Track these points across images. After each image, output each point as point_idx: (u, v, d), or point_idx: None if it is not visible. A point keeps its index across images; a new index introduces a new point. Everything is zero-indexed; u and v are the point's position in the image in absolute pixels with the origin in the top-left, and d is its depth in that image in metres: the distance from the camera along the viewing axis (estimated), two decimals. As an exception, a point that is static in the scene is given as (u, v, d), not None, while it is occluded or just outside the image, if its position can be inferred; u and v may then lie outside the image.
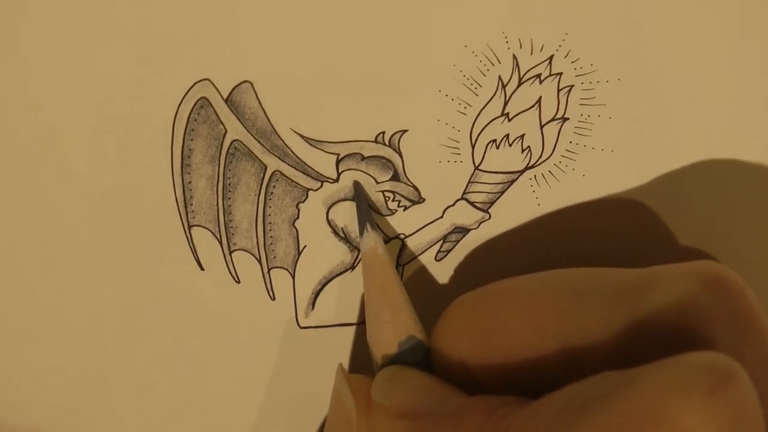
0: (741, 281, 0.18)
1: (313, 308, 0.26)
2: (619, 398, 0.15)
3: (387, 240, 0.26)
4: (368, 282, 0.23)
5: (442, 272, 0.26)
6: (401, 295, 0.22)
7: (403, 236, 0.26)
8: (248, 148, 0.25)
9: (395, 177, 0.25)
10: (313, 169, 0.25)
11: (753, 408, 0.15)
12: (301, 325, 0.26)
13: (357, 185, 0.25)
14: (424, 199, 0.25)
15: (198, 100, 0.25)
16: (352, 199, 0.25)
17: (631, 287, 0.18)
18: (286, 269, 0.26)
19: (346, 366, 0.26)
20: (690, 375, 0.15)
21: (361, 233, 0.24)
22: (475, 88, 0.25)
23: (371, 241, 0.23)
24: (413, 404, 0.19)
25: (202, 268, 0.25)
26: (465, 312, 0.20)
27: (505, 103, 0.25)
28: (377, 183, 0.25)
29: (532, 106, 0.25)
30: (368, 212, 0.24)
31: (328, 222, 0.26)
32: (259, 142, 0.25)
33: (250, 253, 0.25)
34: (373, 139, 0.25)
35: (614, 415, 0.15)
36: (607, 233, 0.26)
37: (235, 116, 0.25)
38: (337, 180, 0.25)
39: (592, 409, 0.15)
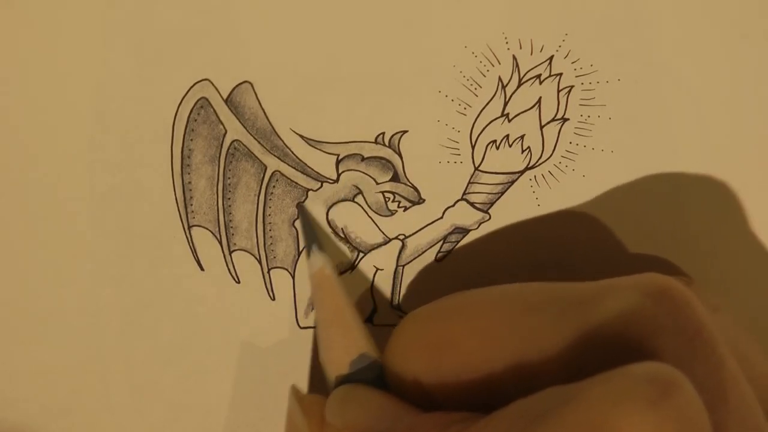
0: (687, 292, 0.18)
1: (313, 308, 0.26)
2: (565, 412, 0.15)
3: (386, 241, 0.26)
4: (318, 303, 0.23)
5: (442, 273, 0.26)
6: (351, 314, 0.22)
7: (403, 237, 0.26)
8: (248, 149, 0.25)
9: (395, 178, 0.25)
10: (312, 169, 0.25)
11: (698, 416, 0.15)
12: (301, 325, 0.26)
13: (301, 208, 0.25)
14: (424, 200, 0.25)
15: (198, 101, 0.25)
16: (352, 200, 0.25)
17: (582, 300, 0.18)
18: (286, 269, 0.26)
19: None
20: (633, 386, 0.15)
21: (308, 255, 0.24)
22: (475, 88, 0.25)
23: (318, 261, 0.23)
24: (367, 424, 0.20)
25: (202, 268, 0.25)
26: (417, 328, 0.20)
27: (505, 104, 0.25)
28: (377, 183, 0.25)
29: (532, 107, 0.25)
30: (313, 233, 0.24)
31: (328, 222, 0.26)
32: (259, 142, 0.25)
33: (250, 253, 0.25)
34: (373, 140, 0.25)
35: (560, 429, 0.15)
36: (606, 233, 0.26)
37: (235, 116, 0.25)
38: (336, 180, 0.25)
39: (539, 423, 0.15)
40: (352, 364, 0.21)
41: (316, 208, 0.25)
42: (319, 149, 0.25)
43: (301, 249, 0.25)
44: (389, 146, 0.25)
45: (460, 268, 0.26)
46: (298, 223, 0.25)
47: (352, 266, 0.26)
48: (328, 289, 0.23)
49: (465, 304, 0.20)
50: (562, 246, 0.26)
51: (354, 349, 0.21)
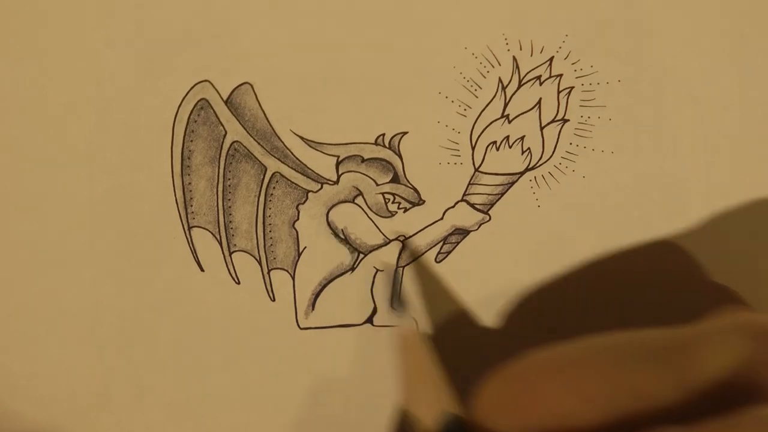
0: None
1: (313, 309, 0.26)
2: None
3: (386, 242, 0.26)
4: (407, 361, 0.23)
5: (442, 273, 0.26)
6: (438, 372, 0.22)
7: (403, 238, 0.26)
8: (248, 150, 0.25)
9: (395, 179, 0.25)
10: (312, 170, 0.25)
11: None
12: (301, 326, 0.26)
13: (390, 267, 0.25)
14: (424, 201, 0.25)
15: (198, 102, 0.25)
16: (352, 201, 0.25)
17: (679, 348, 0.18)
18: (286, 270, 0.26)
19: (346, 367, 0.26)
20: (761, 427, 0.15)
21: (398, 312, 0.24)
22: (475, 89, 0.25)
23: (410, 322, 0.24)
24: None
25: (202, 269, 0.25)
26: (505, 386, 0.20)
27: (505, 105, 0.25)
28: (377, 185, 0.25)
29: (532, 108, 0.25)
30: (401, 291, 0.25)
31: (328, 223, 0.26)
32: (258, 143, 0.25)
33: (250, 254, 0.25)
34: (373, 141, 0.25)
35: None
36: (606, 234, 0.26)
37: (235, 118, 0.25)
38: (337, 182, 0.25)
39: None
40: (440, 421, 0.21)
41: (316, 209, 0.25)
42: (319, 151, 0.25)
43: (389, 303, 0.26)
44: (389, 147, 0.25)
45: (460, 269, 0.26)
46: (298, 225, 0.25)
47: (352, 267, 0.26)
48: (418, 348, 0.23)
49: (554, 359, 0.20)
50: (562, 247, 0.26)
51: (443, 406, 0.22)
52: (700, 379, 0.18)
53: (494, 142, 0.25)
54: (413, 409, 0.22)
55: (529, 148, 0.25)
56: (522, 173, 0.25)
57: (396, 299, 0.25)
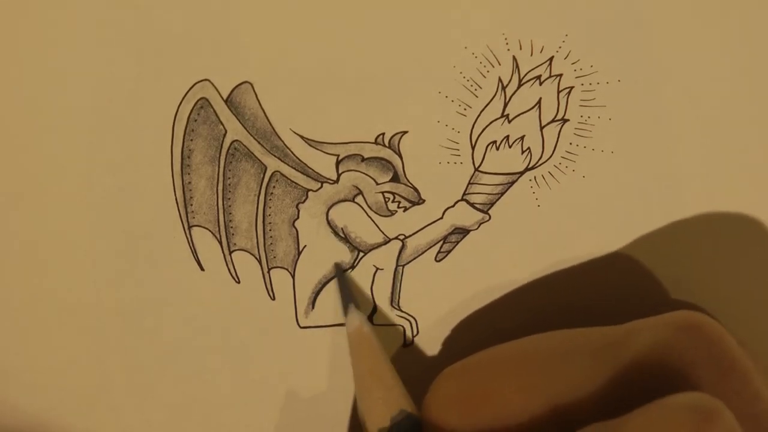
0: (719, 327, 0.19)
1: (313, 308, 0.26)
2: None
3: (386, 241, 0.26)
4: (356, 361, 0.23)
5: (442, 273, 0.26)
6: (390, 372, 0.23)
7: (402, 237, 0.26)
8: (248, 149, 0.25)
9: (395, 178, 0.25)
10: (312, 169, 0.25)
11: None
12: (301, 325, 0.26)
13: (338, 267, 0.25)
14: (424, 200, 0.25)
15: (198, 101, 0.25)
16: (352, 200, 0.25)
17: (613, 341, 0.19)
18: (286, 269, 0.26)
19: (346, 365, 0.26)
20: (674, 415, 0.16)
21: (346, 313, 0.24)
22: (475, 89, 0.25)
23: (356, 321, 0.24)
24: None
25: (202, 268, 0.25)
26: (453, 382, 0.21)
27: (505, 105, 0.25)
28: (377, 184, 0.25)
29: (532, 108, 0.25)
30: (351, 292, 0.25)
31: (328, 222, 0.26)
32: (258, 142, 0.25)
33: (250, 253, 0.26)
34: (373, 141, 0.25)
35: None
36: (606, 234, 0.26)
37: (235, 117, 0.25)
38: (337, 181, 0.25)
39: None
40: (392, 419, 0.22)
41: (316, 208, 0.25)
42: (319, 150, 0.25)
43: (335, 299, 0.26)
44: (389, 147, 0.25)
45: (459, 268, 0.26)
46: (298, 223, 0.25)
47: (352, 266, 0.26)
48: (367, 348, 0.23)
49: (499, 357, 0.21)
50: (562, 247, 0.26)
51: (394, 405, 0.22)
52: (628, 369, 0.18)
53: (494, 142, 0.25)
54: (365, 408, 0.22)
55: (529, 148, 0.25)
56: (522, 173, 0.25)
57: (346, 296, 0.25)
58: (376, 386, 0.22)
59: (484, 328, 0.26)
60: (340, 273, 0.25)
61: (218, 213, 0.25)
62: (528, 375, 0.20)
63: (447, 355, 0.26)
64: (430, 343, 0.26)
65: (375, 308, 0.26)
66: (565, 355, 0.19)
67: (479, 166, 0.25)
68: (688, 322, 0.18)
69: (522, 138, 0.25)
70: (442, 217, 0.25)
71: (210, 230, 0.25)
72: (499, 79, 0.25)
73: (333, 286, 0.26)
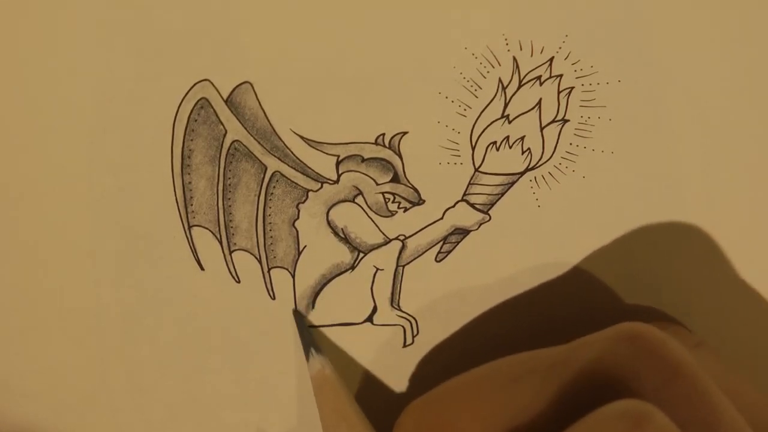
0: (660, 334, 0.19)
1: (313, 308, 0.26)
2: None
3: (386, 241, 0.26)
4: (321, 403, 0.24)
5: (442, 273, 0.26)
6: (353, 410, 0.23)
7: (403, 237, 0.26)
8: (248, 149, 0.25)
9: (395, 178, 0.25)
10: (313, 170, 0.25)
11: None
12: (301, 325, 0.26)
13: (296, 313, 0.26)
14: (424, 201, 0.25)
15: (198, 101, 0.25)
16: (352, 201, 0.25)
17: (561, 360, 0.19)
18: (287, 269, 0.26)
19: (346, 365, 0.26)
20: (605, 423, 0.16)
21: (307, 357, 0.25)
22: (475, 90, 0.25)
23: (317, 364, 0.24)
24: None
25: (202, 268, 0.25)
26: (416, 417, 0.21)
27: (506, 105, 0.25)
28: (377, 184, 0.25)
29: (533, 108, 0.25)
30: (310, 336, 0.25)
31: (328, 222, 0.26)
32: (259, 142, 0.25)
33: (251, 253, 0.26)
34: (373, 141, 0.25)
35: None
36: (606, 234, 0.26)
37: (235, 117, 0.25)
38: (337, 181, 0.25)
39: None
40: None
41: (316, 208, 0.25)
42: (320, 150, 0.25)
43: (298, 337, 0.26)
44: (389, 147, 0.25)
45: (460, 268, 0.26)
46: (298, 223, 0.25)
47: (353, 266, 0.26)
48: (330, 390, 0.24)
49: (455, 388, 0.21)
50: (562, 247, 0.26)
51: None
52: (573, 386, 0.19)
53: (494, 142, 0.25)
54: None
55: (529, 148, 0.25)
56: (522, 173, 0.25)
57: (306, 340, 0.25)
58: (341, 426, 0.23)
59: (484, 328, 0.26)
60: (299, 317, 0.25)
61: (218, 213, 0.25)
62: (482, 403, 0.20)
63: (447, 356, 0.26)
64: (430, 343, 0.26)
65: (375, 308, 0.26)
66: (516, 379, 0.20)
67: (479, 167, 0.25)
68: (627, 333, 0.19)
69: (522, 138, 0.25)
70: (442, 218, 0.25)
71: (210, 230, 0.25)
72: (500, 80, 0.25)
73: (333, 286, 0.26)
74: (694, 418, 0.17)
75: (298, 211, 0.25)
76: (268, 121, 0.25)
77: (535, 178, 0.25)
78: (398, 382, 0.26)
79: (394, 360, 0.26)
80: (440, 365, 0.25)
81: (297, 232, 0.26)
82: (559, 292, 0.26)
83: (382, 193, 0.25)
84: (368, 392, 0.26)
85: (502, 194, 0.25)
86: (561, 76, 0.25)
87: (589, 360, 0.18)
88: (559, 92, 0.25)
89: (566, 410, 0.18)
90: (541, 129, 0.25)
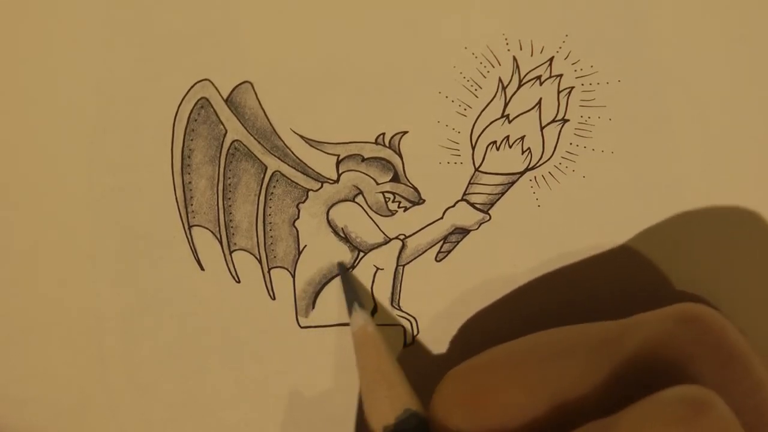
0: (719, 318, 0.19)
1: (313, 308, 0.26)
2: None
3: (387, 241, 0.26)
4: (361, 360, 0.23)
5: (442, 273, 0.26)
6: (395, 370, 0.23)
7: (403, 237, 0.26)
8: (248, 149, 0.25)
9: (395, 178, 0.25)
10: (313, 169, 0.25)
11: None
12: (301, 325, 0.26)
13: (341, 266, 0.25)
14: (424, 200, 0.25)
15: (198, 101, 0.25)
16: (352, 200, 0.25)
17: (612, 337, 0.19)
18: (287, 269, 0.26)
19: (346, 365, 0.26)
20: (666, 409, 0.16)
21: (350, 312, 0.24)
22: (476, 89, 0.25)
23: (360, 320, 0.24)
24: None
25: (202, 268, 0.25)
26: (457, 384, 0.21)
27: (506, 105, 0.25)
28: (377, 184, 0.25)
29: (533, 108, 0.25)
30: (355, 291, 0.25)
31: (329, 222, 0.26)
32: (259, 142, 0.25)
33: (251, 253, 0.25)
34: (374, 141, 0.25)
35: None
36: (606, 234, 0.26)
37: (235, 116, 0.25)
38: (337, 181, 0.25)
39: None
40: (397, 417, 0.22)
41: (316, 207, 0.25)
42: (320, 149, 0.25)
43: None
44: (389, 147, 0.25)
45: (460, 268, 0.26)
46: (298, 223, 0.25)
47: (353, 266, 0.26)
48: (372, 347, 0.23)
49: (500, 356, 0.21)
50: (562, 247, 0.26)
51: (399, 403, 0.22)
52: (627, 364, 0.18)
53: (494, 142, 0.25)
54: (370, 407, 0.23)
55: (529, 148, 0.25)
56: (522, 173, 0.25)
57: (350, 295, 0.25)
58: (380, 385, 0.23)
59: (484, 328, 0.26)
60: (344, 272, 0.25)
61: (218, 213, 0.25)
62: (530, 374, 0.20)
63: (447, 355, 0.26)
64: (431, 343, 0.26)
65: (375, 308, 0.26)
66: (565, 352, 0.20)
67: (479, 166, 0.25)
68: (687, 314, 0.19)
69: (522, 138, 0.25)
70: (442, 217, 0.25)
71: (210, 230, 0.25)
72: (500, 80, 0.25)
73: (333, 286, 0.26)
74: (746, 405, 0.17)
75: (298, 210, 0.25)
76: (268, 120, 0.25)
77: (535, 177, 0.25)
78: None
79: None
80: (441, 365, 0.25)
81: (297, 231, 0.26)
82: (559, 291, 0.26)
83: (383, 193, 0.25)
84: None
85: (502, 194, 0.25)
86: (561, 75, 0.25)
87: (645, 339, 0.18)
88: (559, 92, 0.25)
89: (616, 389, 0.18)
90: (541, 129, 0.25)
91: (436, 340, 0.26)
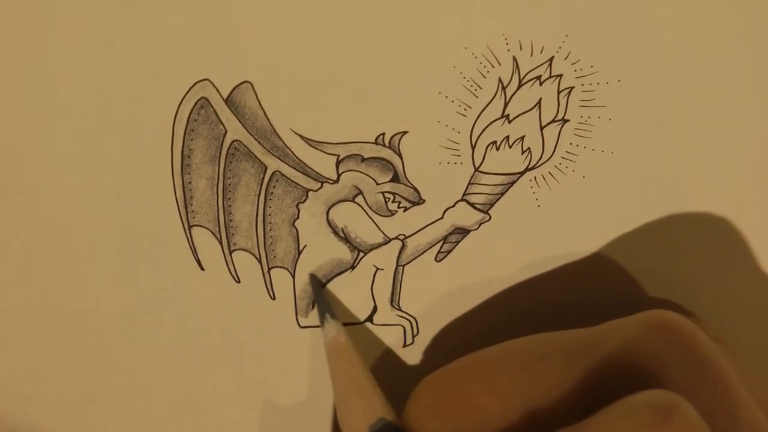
0: (689, 324, 0.19)
1: (313, 308, 0.26)
2: None
3: (386, 241, 0.26)
4: (334, 371, 0.23)
5: (442, 273, 0.26)
6: (368, 380, 0.23)
7: (403, 237, 0.26)
8: (248, 149, 0.25)
9: (395, 178, 0.25)
10: (313, 169, 0.25)
11: None
12: (301, 325, 0.26)
13: (312, 277, 0.25)
14: (424, 201, 0.25)
15: (198, 100, 0.25)
16: (352, 200, 0.25)
17: (585, 344, 0.19)
18: (287, 269, 0.26)
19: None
20: (633, 413, 0.16)
21: (322, 323, 0.24)
22: (475, 89, 0.25)
23: (332, 330, 0.24)
24: None
25: (202, 268, 0.25)
26: (431, 390, 0.21)
27: (505, 105, 0.25)
28: (377, 184, 0.25)
29: (532, 108, 0.25)
30: (326, 302, 0.25)
31: (328, 222, 0.26)
32: (259, 142, 0.25)
33: (250, 253, 0.26)
34: (373, 141, 0.25)
35: None
36: (606, 234, 0.26)
37: (235, 116, 0.25)
38: (337, 181, 0.25)
39: None
40: (370, 427, 0.22)
41: (316, 207, 0.25)
42: (320, 149, 0.25)
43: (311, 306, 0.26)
44: (389, 147, 0.25)
45: (459, 268, 0.26)
46: (298, 223, 0.25)
47: (352, 266, 0.26)
48: (344, 357, 0.23)
49: (475, 362, 0.21)
50: (561, 247, 0.26)
51: (372, 414, 0.22)
52: (599, 370, 0.18)
53: (494, 142, 0.25)
54: (343, 417, 0.23)
55: (529, 148, 0.25)
56: (522, 173, 0.25)
57: (322, 306, 0.25)
58: (353, 395, 0.23)
59: (484, 328, 0.26)
60: (316, 284, 0.25)
61: (218, 213, 0.25)
62: (504, 380, 0.20)
63: (447, 355, 0.26)
64: (431, 343, 0.26)
65: (375, 308, 0.26)
66: (540, 359, 0.20)
67: (479, 167, 0.25)
68: (657, 321, 0.19)
69: (522, 138, 0.25)
70: (442, 217, 0.25)
71: (210, 230, 0.25)
72: (499, 80, 0.25)
73: (333, 286, 0.26)
74: (717, 410, 0.17)
75: (298, 210, 0.25)
76: (268, 120, 0.25)
77: (535, 177, 0.25)
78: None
79: (394, 360, 0.26)
80: (440, 366, 0.25)
81: (297, 231, 0.26)
82: (559, 291, 0.26)
83: (382, 193, 0.25)
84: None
85: (502, 194, 0.25)
86: (561, 75, 0.25)
87: (616, 346, 0.18)
88: (559, 92, 0.25)
89: (589, 395, 0.18)
90: (541, 129, 0.25)
91: (436, 340, 0.26)
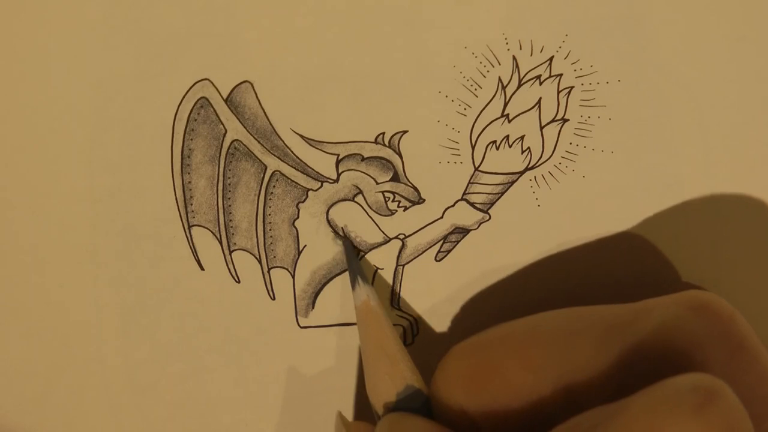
0: (729, 307, 0.18)
1: (313, 308, 0.26)
2: (610, 426, 0.16)
3: (386, 240, 0.26)
4: (363, 335, 0.23)
5: (442, 272, 0.26)
6: (397, 346, 0.23)
7: (402, 236, 0.26)
8: (248, 148, 0.25)
9: (395, 178, 0.25)
10: (312, 169, 0.25)
11: (741, 423, 0.16)
12: (301, 325, 0.26)
13: (346, 241, 0.25)
14: (424, 200, 0.25)
15: (198, 100, 0.25)
16: (352, 200, 0.25)
17: (622, 321, 0.19)
18: (286, 269, 0.26)
19: (346, 365, 0.26)
20: (676, 396, 0.16)
21: (353, 287, 0.24)
22: (475, 89, 0.25)
23: (363, 294, 0.24)
24: None
25: (202, 268, 0.25)
26: (461, 360, 0.21)
27: (505, 104, 0.25)
28: (377, 183, 0.25)
29: (532, 108, 0.25)
30: (359, 265, 0.25)
31: (328, 222, 0.26)
32: (259, 142, 0.25)
33: (250, 253, 0.25)
34: (373, 140, 0.25)
35: None
36: (606, 234, 0.26)
37: (235, 116, 0.25)
38: (337, 180, 0.25)
39: None
40: (398, 394, 0.22)
41: (316, 207, 0.25)
42: (319, 149, 0.25)
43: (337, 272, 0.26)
44: (389, 146, 0.25)
45: (459, 268, 0.26)
46: (298, 223, 0.25)
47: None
48: (374, 322, 0.23)
49: (508, 333, 0.20)
50: (561, 246, 0.26)
51: (400, 380, 0.22)
52: (636, 349, 0.18)
53: (494, 142, 0.25)
54: (371, 383, 0.22)
55: (529, 148, 0.25)
56: (522, 173, 0.25)
57: (353, 269, 0.25)
58: (382, 361, 0.22)
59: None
60: (348, 245, 0.25)
61: (218, 213, 0.25)
62: (536, 354, 0.19)
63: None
64: (431, 343, 0.26)
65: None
66: (573, 334, 0.19)
67: (479, 166, 0.25)
68: (697, 302, 0.18)
69: (522, 138, 0.25)
70: (442, 217, 0.25)
71: (210, 230, 0.25)
72: (499, 79, 0.25)
73: (333, 286, 0.26)
74: (755, 393, 0.17)
75: (298, 210, 0.25)
76: (268, 120, 0.25)
77: (535, 177, 0.25)
78: (398, 382, 0.26)
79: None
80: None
81: (297, 231, 0.26)
82: (559, 290, 0.26)
83: (382, 192, 0.25)
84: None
85: (502, 193, 0.25)
86: (561, 75, 0.25)
87: (655, 324, 0.18)
88: (558, 92, 0.25)
89: (625, 372, 0.18)
90: (541, 128, 0.25)
91: (436, 340, 0.26)
